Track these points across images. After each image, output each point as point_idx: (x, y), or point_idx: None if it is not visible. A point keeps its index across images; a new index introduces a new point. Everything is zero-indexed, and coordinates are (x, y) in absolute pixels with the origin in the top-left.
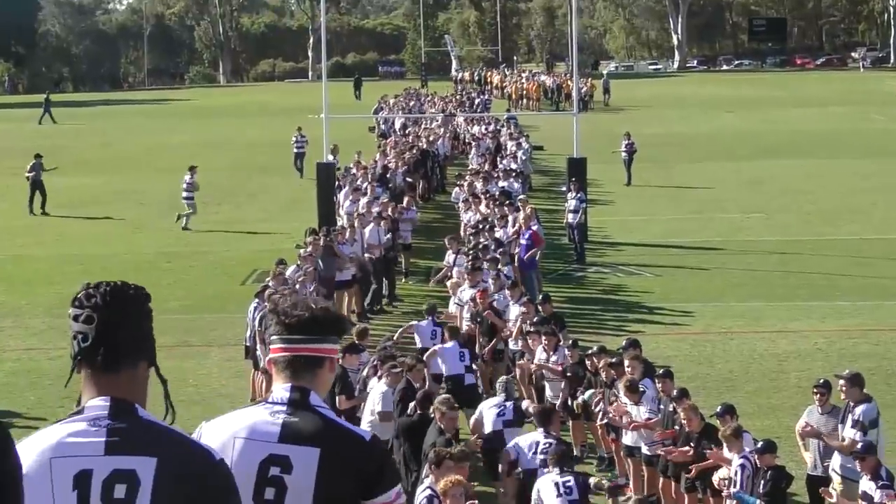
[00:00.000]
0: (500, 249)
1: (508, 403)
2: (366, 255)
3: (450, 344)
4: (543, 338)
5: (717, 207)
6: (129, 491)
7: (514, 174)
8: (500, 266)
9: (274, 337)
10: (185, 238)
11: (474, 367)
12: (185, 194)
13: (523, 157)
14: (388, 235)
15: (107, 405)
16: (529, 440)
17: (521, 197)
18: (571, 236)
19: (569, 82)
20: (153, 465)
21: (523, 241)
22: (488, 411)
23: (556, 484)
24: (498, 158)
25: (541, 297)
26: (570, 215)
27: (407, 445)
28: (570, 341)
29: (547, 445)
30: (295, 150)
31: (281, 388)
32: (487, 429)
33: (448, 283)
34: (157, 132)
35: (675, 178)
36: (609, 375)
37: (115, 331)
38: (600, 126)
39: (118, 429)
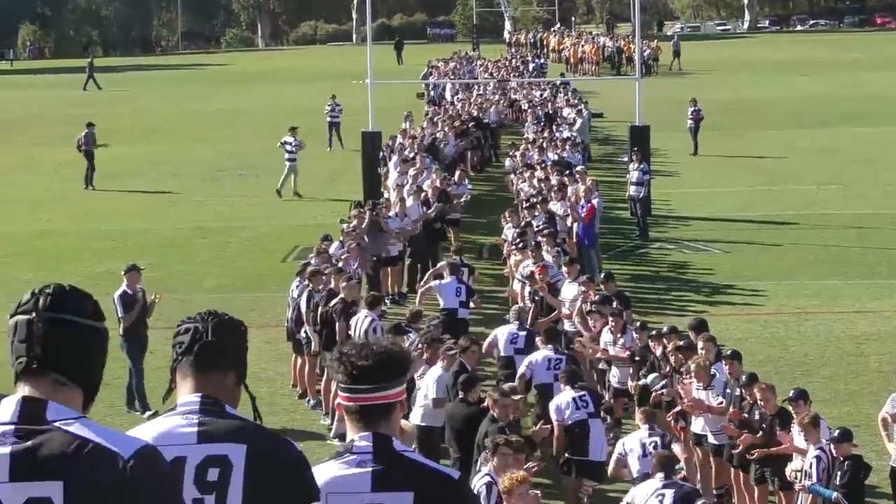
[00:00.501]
0: (550, 226)
1: (521, 332)
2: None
3: (447, 279)
4: (610, 319)
5: (791, 178)
6: (223, 475)
7: (571, 143)
8: (556, 242)
9: (341, 385)
10: (222, 212)
11: (471, 304)
12: (288, 156)
13: (581, 126)
14: (424, 209)
15: (198, 400)
16: (541, 356)
17: (580, 168)
18: (634, 210)
19: (631, 45)
20: (244, 451)
21: (578, 216)
22: (502, 337)
23: (574, 399)
24: (554, 127)
25: (603, 274)
26: (633, 188)
27: (454, 433)
28: (638, 323)
29: (558, 361)
30: (328, 120)
31: (360, 438)
32: (501, 353)
33: (511, 260)
34: (191, 99)
35: (746, 148)
36: (678, 360)
37: (209, 340)
38: (665, 92)
39: (208, 420)
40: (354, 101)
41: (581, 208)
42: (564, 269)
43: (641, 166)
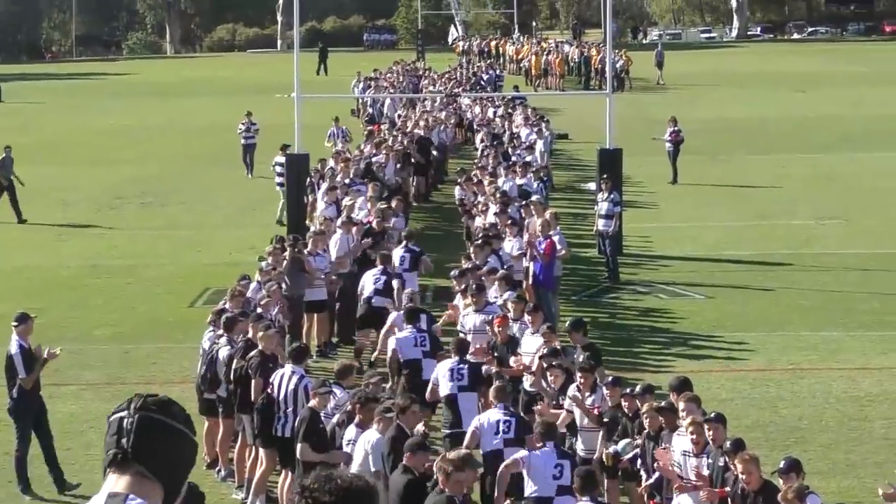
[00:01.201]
0: (507, 265)
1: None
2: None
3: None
4: (579, 374)
5: (785, 211)
6: None
7: (531, 169)
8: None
9: None
10: (121, 247)
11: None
12: (279, 180)
13: (542, 149)
14: (356, 242)
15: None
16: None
17: (536, 198)
18: (602, 247)
19: (601, 54)
20: None
21: (538, 253)
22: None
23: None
24: (510, 150)
25: (569, 322)
26: (601, 221)
27: None
28: (609, 378)
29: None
30: (242, 142)
31: None
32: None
33: (445, 314)
34: (86, 113)
35: (733, 175)
36: (655, 423)
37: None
38: (640, 110)
39: None
40: (278, 118)
41: (539, 244)
42: (526, 317)
43: (611, 196)
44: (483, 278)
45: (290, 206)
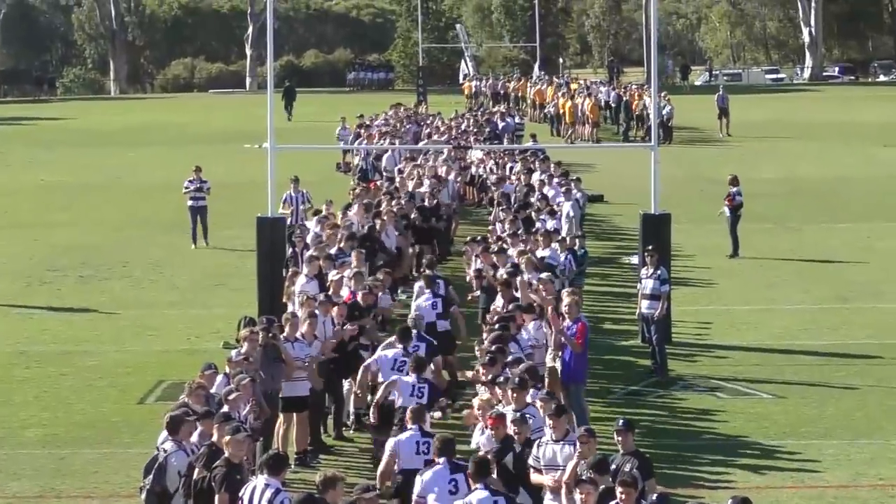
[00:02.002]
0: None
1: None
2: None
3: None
4: (620, 490)
5: (872, 292)
6: None
7: (556, 238)
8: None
9: None
10: (55, 331)
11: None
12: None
13: (571, 213)
14: (347, 327)
15: None
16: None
17: (546, 275)
18: (647, 335)
19: (643, 98)
20: None
21: (568, 340)
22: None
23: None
24: (533, 214)
25: (621, 422)
26: (646, 303)
27: None
28: (655, 497)
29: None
30: (190, 203)
31: None
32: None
33: (466, 412)
34: (12, 167)
35: (806, 247)
36: None
37: None
38: (690, 166)
39: None
40: (248, 173)
41: (569, 330)
42: (548, 421)
43: (658, 273)
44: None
45: (261, 281)
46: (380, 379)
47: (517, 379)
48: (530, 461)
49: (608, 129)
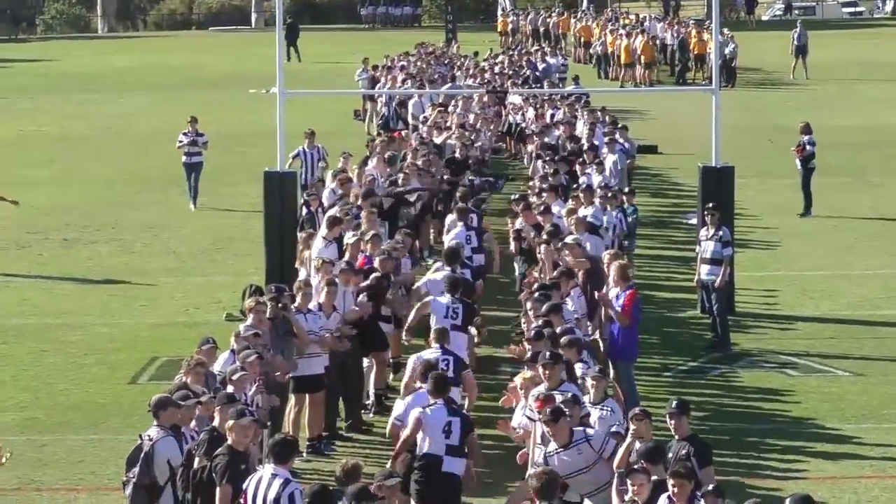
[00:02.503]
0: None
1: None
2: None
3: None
4: (672, 482)
5: None
6: None
7: (597, 195)
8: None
9: None
10: (35, 301)
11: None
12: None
13: (618, 166)
14: (361, 299)
15: None
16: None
17: (571, 238)
18: (707, 304)
19: (701, 37)
20: None
21: (614, 313)
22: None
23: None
24: (578, 167)
25: (674, 403)
26: (706, 268)
27: None
28: (711, 486)
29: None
30: (184, 159)
31: None
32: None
33: (509, 386)
34: None
35: (889, 205)
36: None
37: None
38: (757, 113)
39: None
40: (254, 122)
41: (616, 300)
42: (545, 428)
43: (719, 234)
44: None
45: (269, 245)
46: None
47: (548, 354)
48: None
49: (663, 71)
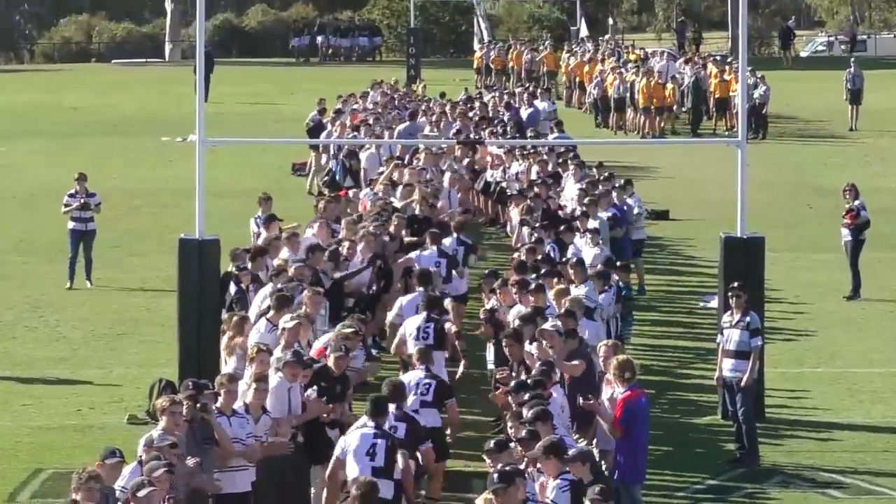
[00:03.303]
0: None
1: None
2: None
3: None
4: None
5: None
6: None
7: (597, 272)
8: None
9: None
10: None
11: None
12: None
13: (602, 236)
14: (309, 393)
15: None
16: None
17: (550, 325)
18: (729, 407)
19: (723, 76)
20: None
21: (605, 423)
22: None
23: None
24: (569, 235)
25: None
26: (729, 363)
27: None
28: None
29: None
30: (73, 226)
31: None
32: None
33: None
34: None
35: None
36: None
37: None
38: (792, 170)
39: None
40: (166, 177)
41: (611, 402)
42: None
43: (746, 320)
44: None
45: (184, 330)
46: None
47: (497, 476)
48: None
49: (681, 118)
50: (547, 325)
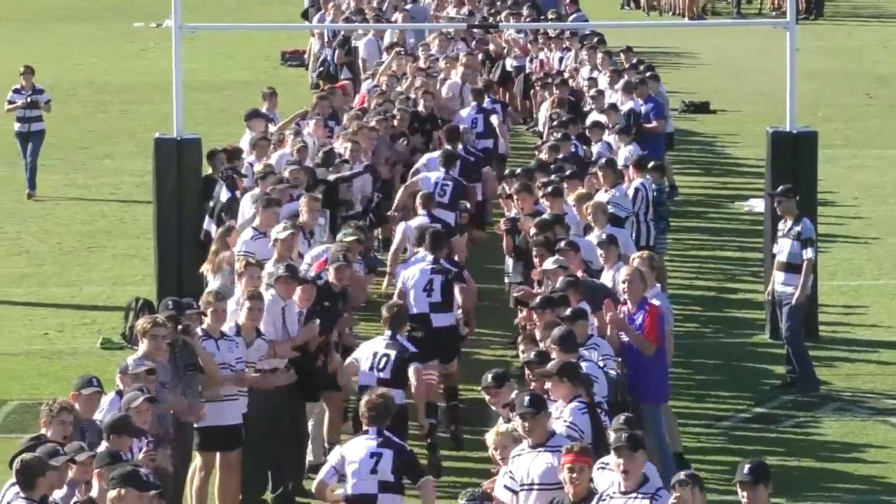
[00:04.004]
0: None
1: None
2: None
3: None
4: None
5: None
6: None
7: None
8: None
9: None
10: None
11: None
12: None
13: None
14: (311, 322)
15: None
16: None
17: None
18: (778, 320)
19: None
20: None
21: (631, 336)
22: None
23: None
24: (588, 132)
25: (747, 469)
26: (779, 276)
27: None
28: None
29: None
30: (17, 127)
31: None
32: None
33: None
34: None
35: None
36: None
37: None
38: (850, 56)
39: None
40: (139, 69)
41: (633, 318)
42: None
43: (797, 229)
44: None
45: (163, 242)
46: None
47: (527, 400)
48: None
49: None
50: (548, 263)
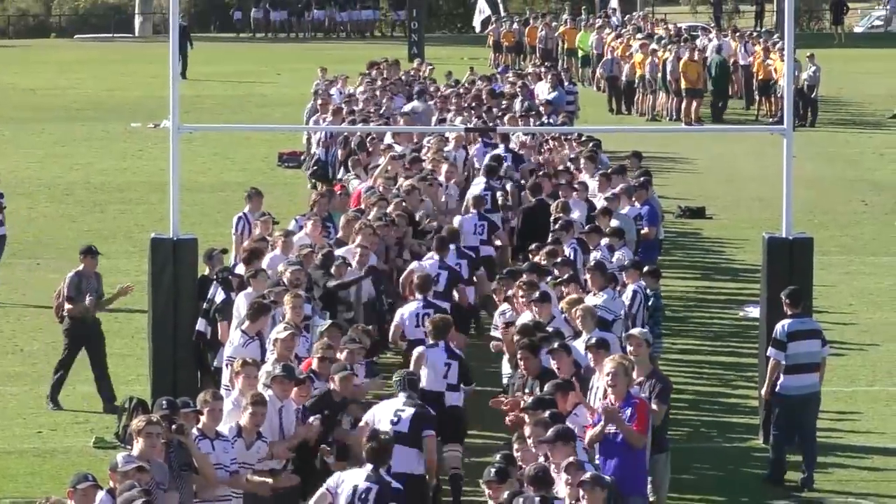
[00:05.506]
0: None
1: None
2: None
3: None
4: None
5: None
6: None
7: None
8: None
9: None
10: None
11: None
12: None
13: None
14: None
15: None
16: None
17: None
18: (776, 431)
19: (771, 56)
20: None
21: (623, 429)
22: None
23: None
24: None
25: None
26: (795, 378)
27: None
28: None
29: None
30: None
31: None
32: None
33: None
34: None
35: None
36: None
37: None
38: (846, 163)
39: None
40: (136, 169)
41: (626, 410)
42: None
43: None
44: None
45: (158, 343)
46: None
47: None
48: None
49: (707, 102)
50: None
